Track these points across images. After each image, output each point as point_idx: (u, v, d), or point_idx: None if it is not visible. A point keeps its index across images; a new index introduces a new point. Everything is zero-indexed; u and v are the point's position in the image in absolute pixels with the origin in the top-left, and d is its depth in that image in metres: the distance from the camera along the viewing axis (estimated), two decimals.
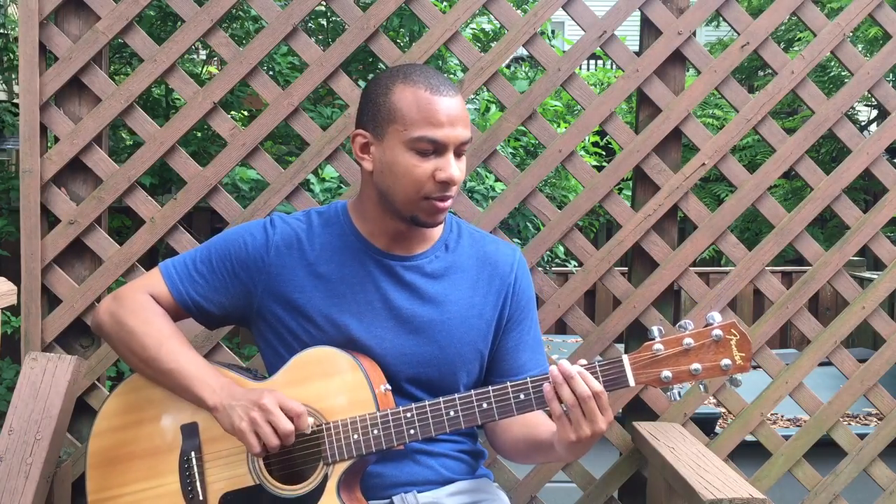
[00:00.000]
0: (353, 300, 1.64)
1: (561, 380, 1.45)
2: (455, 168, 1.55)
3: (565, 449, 1.50)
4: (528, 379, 1.52)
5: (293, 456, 1.57)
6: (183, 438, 1.60)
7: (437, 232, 1.70)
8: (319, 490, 1.53)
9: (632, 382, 1.48)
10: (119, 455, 1.63)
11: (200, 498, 1.58)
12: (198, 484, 1.58)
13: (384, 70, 1.64)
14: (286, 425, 1.49)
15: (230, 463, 1.58)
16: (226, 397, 1.53)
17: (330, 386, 1.57)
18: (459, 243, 1.72)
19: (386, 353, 1.63)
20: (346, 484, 1.55)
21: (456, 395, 1.53)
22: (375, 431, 1.53)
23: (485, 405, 1.52)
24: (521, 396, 1.51)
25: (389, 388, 1.60)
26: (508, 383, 1.52)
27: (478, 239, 1.75)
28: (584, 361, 1.49)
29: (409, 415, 1.53)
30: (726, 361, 1.48)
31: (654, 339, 1.51)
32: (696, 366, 1.48)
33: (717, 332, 1.48)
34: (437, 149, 1.54)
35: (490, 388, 1.53)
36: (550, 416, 1.50)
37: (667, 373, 1.49)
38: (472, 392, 1.53)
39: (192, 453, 1.59)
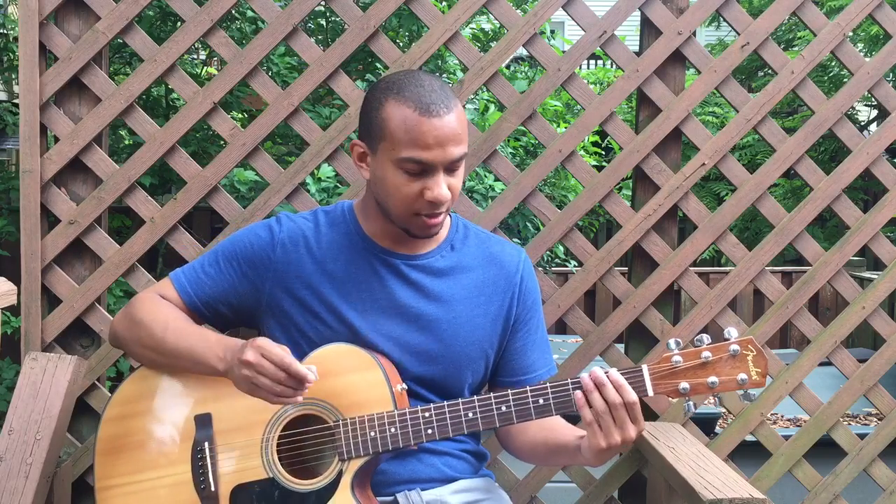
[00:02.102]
0: (358, 298, 1.65)
1: (592, 387, 1.47)
2: (443, 188, 1.54)
3: (594, 455, 1.51)
4: (548, 384, 1.53)
5: (307, 450, 1.58)
6: (196, 429, 1.60)
7: (442, 232, 1.71)
8: (333, 485, 1.54)
9: (651, 392, 1.50)
10: (129, 443, 1.63)
11: (212, 489, 1.57)
12: (210, 475, 1.58)
13: (381, 79, 1.63)
14: (276, 374, 1.46)
15: (243, 455, 1.58)
16: (230, 360, 1.52)
17: (348, 382, 1.57)
18: (465, 244, 1.73)
19: (391, 351, 1.64)
20: (359, 481, 1.55)
21: (475, 398, 1.54)
22: (393, 430, 1.54)
23: (503, 408, 1.53)
24: (541, 401, 1.52)
25: (406, 387, 1.62)
26: (528, 388, 1.53)
27: (483, 239, 1.75)
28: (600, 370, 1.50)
29: (427, 414, 1.54)
30: (743, 376, 1.51)
31: (672, 351, 1.53)
32: (713, 378, 1.51)
33: (735, 346, 1.51)
34: (424, 169, 1.54)
35: (509, 391, 1.54)
36: (574, 423, 1.50)
37: (685, 384, 1.51)
38: (492, 395, 1.54)
39: (206, 444, 1.59)
